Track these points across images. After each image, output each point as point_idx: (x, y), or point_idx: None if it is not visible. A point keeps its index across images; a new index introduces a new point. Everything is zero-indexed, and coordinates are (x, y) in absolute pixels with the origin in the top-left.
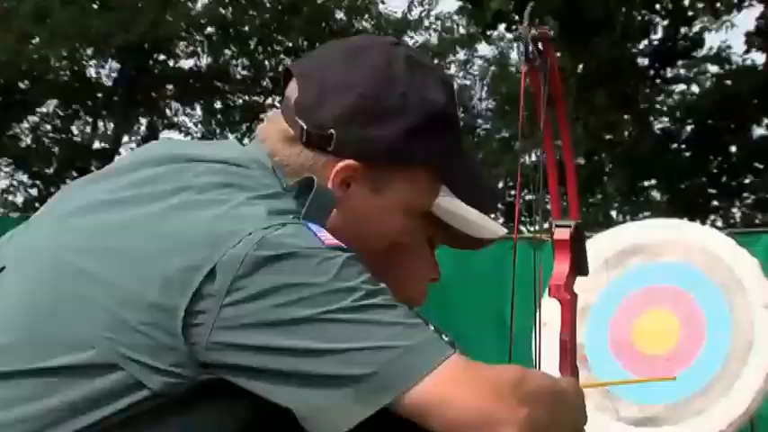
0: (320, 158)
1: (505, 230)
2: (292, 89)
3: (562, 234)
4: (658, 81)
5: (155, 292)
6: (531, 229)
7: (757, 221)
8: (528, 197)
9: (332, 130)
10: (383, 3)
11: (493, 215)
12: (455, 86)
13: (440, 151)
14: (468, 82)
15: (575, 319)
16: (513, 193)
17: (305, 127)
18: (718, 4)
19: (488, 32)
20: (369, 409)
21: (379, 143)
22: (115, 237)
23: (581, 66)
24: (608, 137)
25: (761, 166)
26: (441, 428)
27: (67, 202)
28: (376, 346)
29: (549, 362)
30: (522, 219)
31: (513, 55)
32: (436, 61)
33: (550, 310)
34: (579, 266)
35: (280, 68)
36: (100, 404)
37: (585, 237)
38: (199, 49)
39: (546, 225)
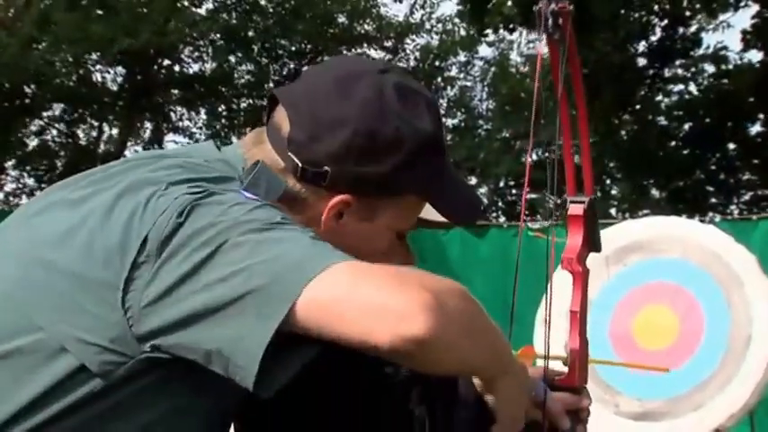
0: (313, 191)
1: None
2: (281, 117)
3: (576, 209)
4: (657, 81)
5: (99, 268)
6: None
7: (754, 218)
8: (531, 195)
9: (326, 168)
10: (385, 6)
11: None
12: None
13: (428, 177)
14: (468, 83)
15: (586, 292)
16: (514, 192)
17: (299, 164)
18: (715, 5)
19: (486, 33)
20: (271, 321)
21: (373, 178)
22: (71, 226)
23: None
24: (609, 136)
25: (757, 162)
26: (346, 330)
27: (36, 204)
28: (272, 257)
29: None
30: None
31: (513, 56)
32: (437, 63)
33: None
34: (592, 242)
35: (284, 72)
36: (47, 392)
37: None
38: (203, 55)
39: (549, 221)
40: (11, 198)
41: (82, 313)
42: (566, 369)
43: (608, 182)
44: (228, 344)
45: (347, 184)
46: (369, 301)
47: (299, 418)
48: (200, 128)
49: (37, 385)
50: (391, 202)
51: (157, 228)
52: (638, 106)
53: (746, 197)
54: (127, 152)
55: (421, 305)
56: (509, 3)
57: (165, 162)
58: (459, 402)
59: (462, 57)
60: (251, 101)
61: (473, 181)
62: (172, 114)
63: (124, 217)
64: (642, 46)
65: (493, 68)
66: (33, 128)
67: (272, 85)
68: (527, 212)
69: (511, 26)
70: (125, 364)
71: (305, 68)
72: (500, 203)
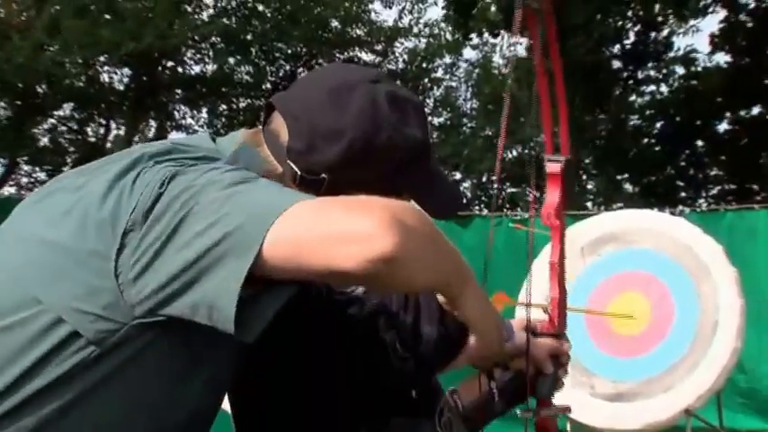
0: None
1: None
2: (279, 125)
3: (554, 167)
4: (631, 82)
5: (92, 241)
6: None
7: (721, 210)
8: (512, 189)
9: (323, 175)
10: (375, 13)
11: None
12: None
13: (417, 179)
14: (454, 84)
15: (563, 245)
16: (495, 186)
17: (298, 172)
18: (685, 10)
19: (471, 37)
20: (244, 261)
21: (367, 183)
22: (68, 208)
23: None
24: (585, 134)
25: (724, 158)
26: (314, 262)
27: (40, 192)
28: (241, 205)
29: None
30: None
31: (496, 58)
32: (424, 65)
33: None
34: (569, 195)
35: (281, 73)
36: (43, 360)
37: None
38: (205, 57)
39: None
40: (23, 192)
41: (77, 284)
42: (546, 317)
43: (584, 177)
44: (209, 291)
45: (343, 190)
46: (332, 230)
47: (285, 366)
48: (202, 126)
49: (34, 354)
50: None
51: (143, 199)
52: (612, 106)
53: (714, 191)
54: None
55: (383, 225)
56: (492, 9)
57: (155, 147)
58: (423, 320)
59: (448, 59)
60: (249, 100)
61: (457, 176)
62: (175, 113)
63: (115, 195)
64: (617, 49)
65: (477, 70)
66: (45, 126)
67: (269, 86)
68: (507, 206)
69: (494, 31)
70: (118, 331)
71: (300, 71)
72: (483, 197)
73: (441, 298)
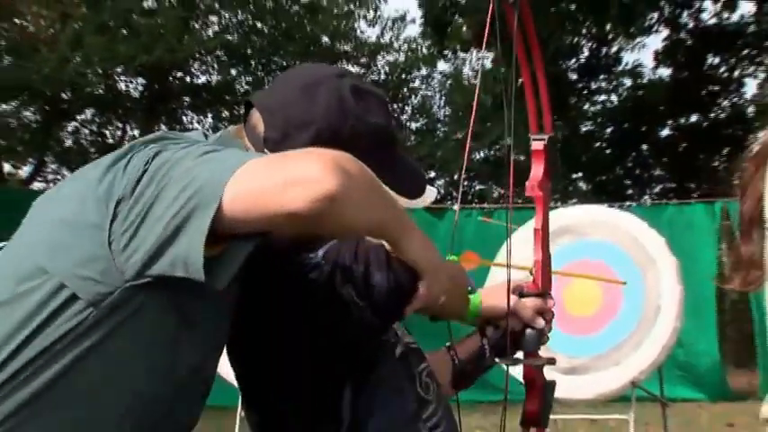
0: None
1: (434, 196)
2: (257, 119)
3: (537, 145)
4: (585, 92)
5: (91, 215)
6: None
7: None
8: (480, 186)
9: None
10: (361, 30)
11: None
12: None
13: (382, 162)
14: (429, 93)
15: (547, 213)
16: (465, 183)
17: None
18: (632, 29)
19: (445, 52)
20: (207, 215)
21: None
22: (74, 191)
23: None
24: None
25: (666, 160)
26: (266, 209)
27: (58, 185)
28: (208, 168)
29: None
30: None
31: (466, 70)
32: (403, 77)
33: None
34: (552, 171)
35: None
36: (46, 321)
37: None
38: (210, 68)
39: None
40: (50, 187)
41: (77, 253)
42: (530, 279)
43: None
44: (182, 247)
45: None
46: (282, 177)
47: (258, 331)
48: (208, 130)
49: (40, 317)
50: None
51: (131, 177)
52: (568, 113)
53: (657, 189)
54: None
55: (327, 169)
56: (464, 28)
57: (148, 137)
58: (373, 269)
59: (424, 71)
60: None
61: (432, 174)
62: (183, 118)
63: (110, 176)
64: (573, 63)
65: (449, 81)
66: (69, 129)
67: None
68: (476, 200)
69: (465, 47)
70: (112, 293)
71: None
72: (454, 193)
73: (387, 245)
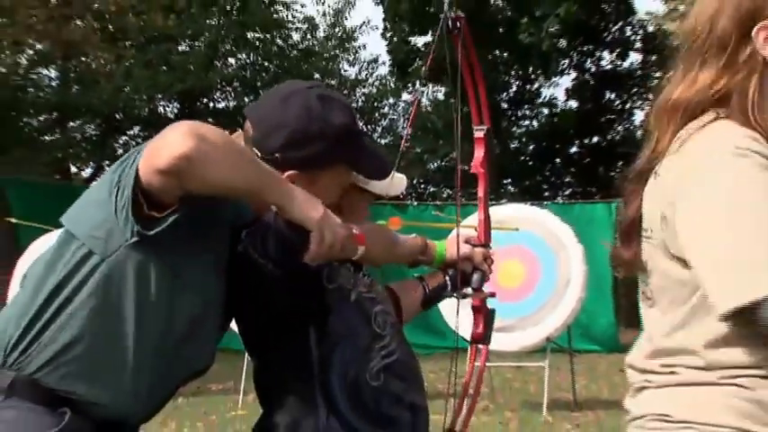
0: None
1: (405, 183)
2: (249, 126)
3: (479, 133)
4: (513, 119)
5: (105, 192)
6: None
7: (572, 204)
8: (432, 189)
9: (276, 155)
10: (344, 70)
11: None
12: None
13: (347, 153)
14: (395, 117)
15: (488, 185)
16: (422, 186)
17: (259, 154)
18: (549, 71)
19: (408, 86)
20: (130, 187)
21: (307, 159)
22: (104, 178)
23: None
24: None
25: (574, 171)
26: (150, 167)
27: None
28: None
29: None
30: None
31: (423, 100)
32: (377, 103)
33: None
34: (491, 155)
35: None
36: (71, 272)
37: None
38: (228, 96)
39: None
40: None
41: (94, 220)
42: (474, 233)
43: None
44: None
45: (292, 165)
46: (157, 143)
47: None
48: None
49: (66, 269)
50: (325, 173)
51: (126, 166)
52: (501, 135)
53: (567, 192)
54: None
55: (184, 135)
56: (423, 68)
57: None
58: (268, 233)
59: (391, 100)
60: None
61: None
62: None
63: (120, 168)
64: (504, 96)
65: (410, 108)
66: (121, 141)
67: None
68: (430, 198)
69: (422, 83)
70: (117, 250)
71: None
72: (413, 194)
73: (274, 208)
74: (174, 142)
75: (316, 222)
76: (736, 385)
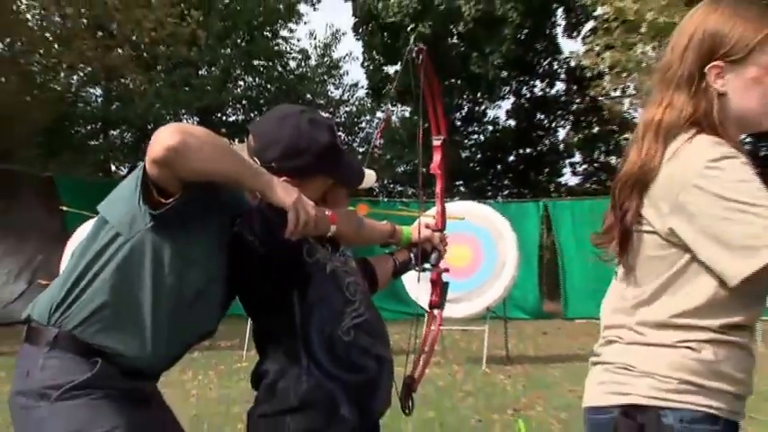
0: None
1: (374, 181)
2: (251, 139)
3: (437, 142)
4: (464, 132)
5: (132, 185)
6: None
7: (509, 202)
8: (399, 188)
9: (273, 164)
10: (328, 93)
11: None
12: (337, 127)
13: (329, 166)
14: (371, 131)
15: (444, 183)
16: (391, 186)
17: (259, 162)
18: (493, 95)
19: (381, 105)
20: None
21: (296, 169)
22: (132, 174)
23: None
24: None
25: (511, 176)
26: (149, 159)
27: None
28: None
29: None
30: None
31: (394, 117)
32: (356, 119)
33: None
34: (447, 160)
35: None
36: (101, 250)
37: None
38: (238, 112)
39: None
40: None
41: (122, 209)
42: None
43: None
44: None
45: (285, 173)
46: (153, 139)
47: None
48: None
49: (98, 246)
50: (311, 180)
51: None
52: (454, 146)
53: (506, 192)
54: None
55: (173, 132)
56: (392, 91)
57: None
58: (254, 215)
59: (368, 117)
60: None
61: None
62: None
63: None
64: (457, 115)
65: (383, 123)
66: None
67: None
68: (397, 195)
69: (393, 103)
70: (140, 231)
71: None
72: (384, 191)
73: (258, 195)
74: (163, 138)
75: (291, 204)
76: (687, 348)
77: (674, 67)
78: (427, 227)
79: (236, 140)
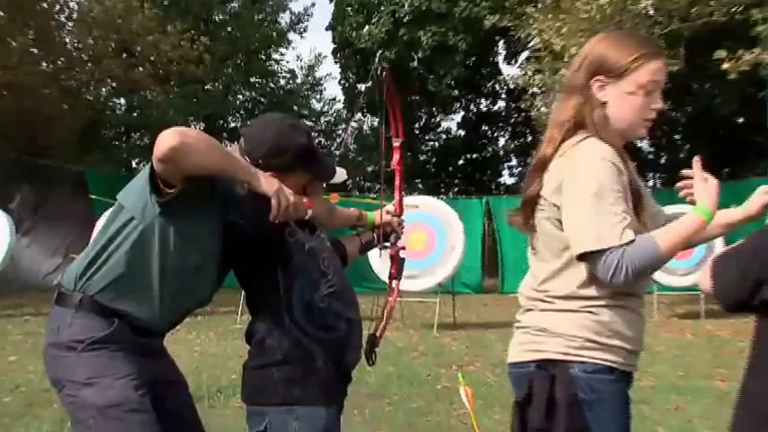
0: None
1: (345, 177)
2: (242, 141)
3: (396, 143)
4: (422, 139)
5: (145, 176)
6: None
7: (460, 198)
8: (368, 183)
9: (259, 161)
10: (311, 106)
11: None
12: (312, 133)
13: (306, 163)
14: (346, 137)
15: (402, 177)
16: (362, 183)
17: (248, 160)
18: (447, 110)
19: (355, 117)
20: (150, 175)
21: (279, 165)
22: (146, 168)
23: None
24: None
25: (461, 176)
26: (155, 158)
27: None
28: None
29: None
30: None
31: (365, 127)
32: (334, 127)
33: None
34: (404, 158)
35: None
36: (117, 231)
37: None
38: (239, 119)
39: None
40: None
41: (137, 197)
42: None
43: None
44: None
45: (270, 168)
46: (157, 141)
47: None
48: None
49: (114, 228)
50: (292, 174)
51: None
52: (412, 151)
53: (456, 189)
54: None
55: (174, 134)
56: (362, 104)
57: None
58: (244, 205)
59: (343, 125)
60: None
61: (345, 176)
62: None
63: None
64: (415, 126)
65: (356, 131)
66: None
67: None
68: (367, 191)
69: (364, 114)
70: (149, 218)
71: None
72: (356, 187)
73: (247, 186)
74: (166, 139)
75: (274, 192)
76: (588, 312)
77: (572, 81)
78: (387, 213)
79: (235, 143)
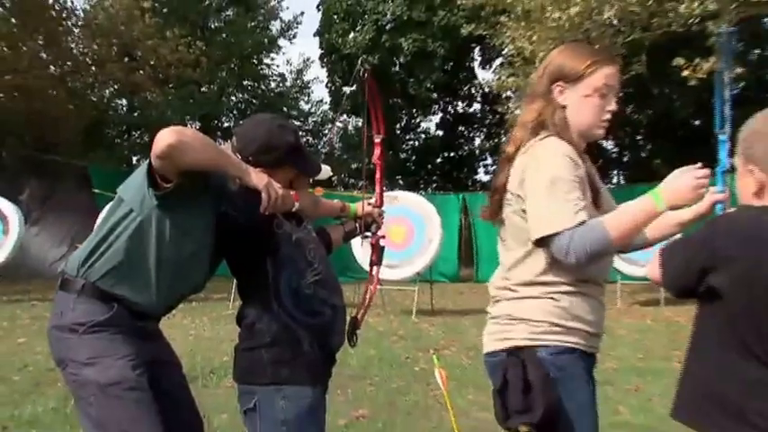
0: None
1: (330, 173)
2: (234, 139)
3: (377, 139)
4: (403, 139)
5: (144, 172)
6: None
7: (438, 194)
8: (352, 180)
9: (250, 158)
10: (299, 107)
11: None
12: (299, 132)
13: (293, 159)
14: (331, 136)
15: (383, 168)
16: (347, 179)
17: (240, 156)
18: (426, 113)
19: (341, 117)
20: (148, 169)
21: (268, 162)
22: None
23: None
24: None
25: (439, 173)
26: (154, 155)
27: None
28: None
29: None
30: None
31: (350, 127)
32: (321, 127)
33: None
34: (385, 154)
35: None
36: (117, 222)
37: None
38: (233, 119)
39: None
40: None
41: (135, 190)
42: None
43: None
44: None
45: (260, 164)
46: (155, 139)
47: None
48: None
49: (114, 220)
50: (281, 169)
51: None
52: (394, 149)
53: (434, 186)
54: None
55: (171, 133)
56: (347, 105)
57: None
58: (236, 195)
59: (329, 126)
60: None
61: (331, 173)
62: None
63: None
64: (396, 126)
65: (341, 131)
66: None
67: None
68: (351, 186)
69: (348, 115)
70: (147, 210)
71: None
72: (341, 183)
73: (238, 181)
74: (164, 137)
75: (263, 186)
76: (550, 298)
77: (535, 87)
78: (369, 204)
79: (228, 141)
